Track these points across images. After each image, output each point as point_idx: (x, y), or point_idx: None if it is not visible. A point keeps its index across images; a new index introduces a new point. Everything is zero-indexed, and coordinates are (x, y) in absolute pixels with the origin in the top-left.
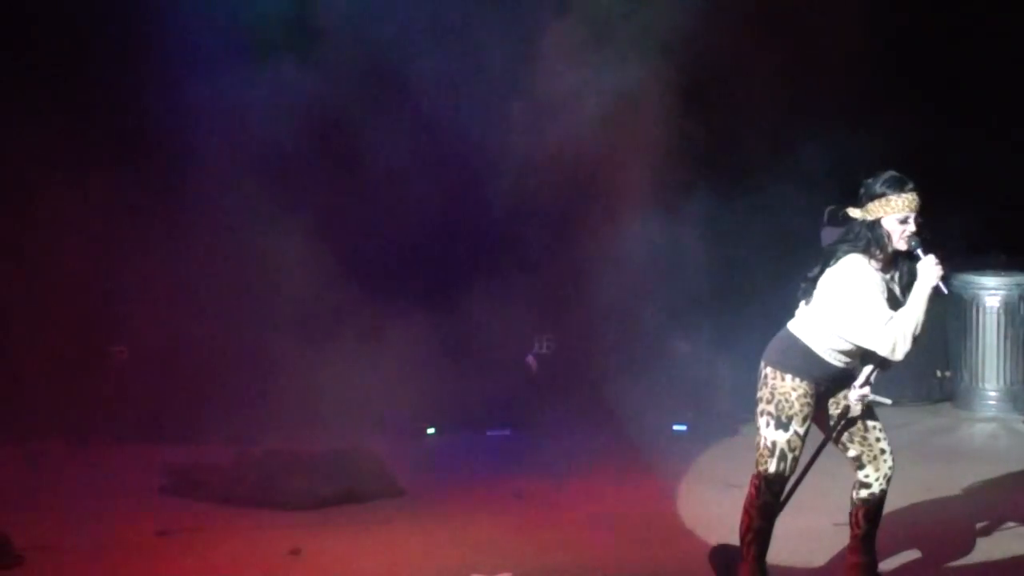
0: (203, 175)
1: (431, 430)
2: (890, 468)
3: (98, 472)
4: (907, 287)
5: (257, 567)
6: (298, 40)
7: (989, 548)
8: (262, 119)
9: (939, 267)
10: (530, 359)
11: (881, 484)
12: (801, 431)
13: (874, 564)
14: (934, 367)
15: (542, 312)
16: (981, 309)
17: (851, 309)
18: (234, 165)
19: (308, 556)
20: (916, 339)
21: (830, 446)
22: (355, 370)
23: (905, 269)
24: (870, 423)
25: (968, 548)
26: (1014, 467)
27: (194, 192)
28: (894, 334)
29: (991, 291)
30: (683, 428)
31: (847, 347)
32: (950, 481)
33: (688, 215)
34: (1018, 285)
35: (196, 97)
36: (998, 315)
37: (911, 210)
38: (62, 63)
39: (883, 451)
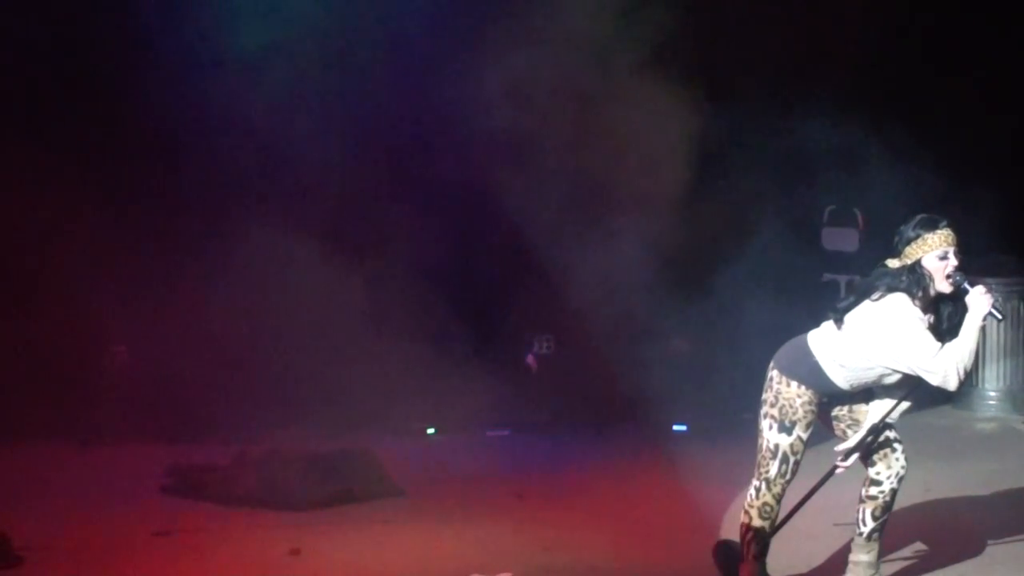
0: (204, 174)
1: (431, 430)
2: (902, 467)
3: (98, 472)
4: (949, 330)
5: (257, 567)
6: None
7: (990, 549)
8: (261, 118)
9: (989, 295)
10: (530, 359)
11: (892, 483)
12: (804, 436)
13: (876, 563)
14: None
15: (542, 312)
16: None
17: (899, 342)
18: (235, 164)
19: (307, 556)
20: (967, 370)
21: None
22: (355, 370)
23: (946, 313)
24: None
25: (969, 549)
26: (1014, 468)
27: (195, 191)
28: (946, 364)
29: (991, 292)
30: (683, 428)
31: (863, 379)
32: (951, 482)
33: (689, 211)
34: (1018, 287)
35: (196, 97)
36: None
37: (948, 245)
38: (62, 63)
39: (895, 450)
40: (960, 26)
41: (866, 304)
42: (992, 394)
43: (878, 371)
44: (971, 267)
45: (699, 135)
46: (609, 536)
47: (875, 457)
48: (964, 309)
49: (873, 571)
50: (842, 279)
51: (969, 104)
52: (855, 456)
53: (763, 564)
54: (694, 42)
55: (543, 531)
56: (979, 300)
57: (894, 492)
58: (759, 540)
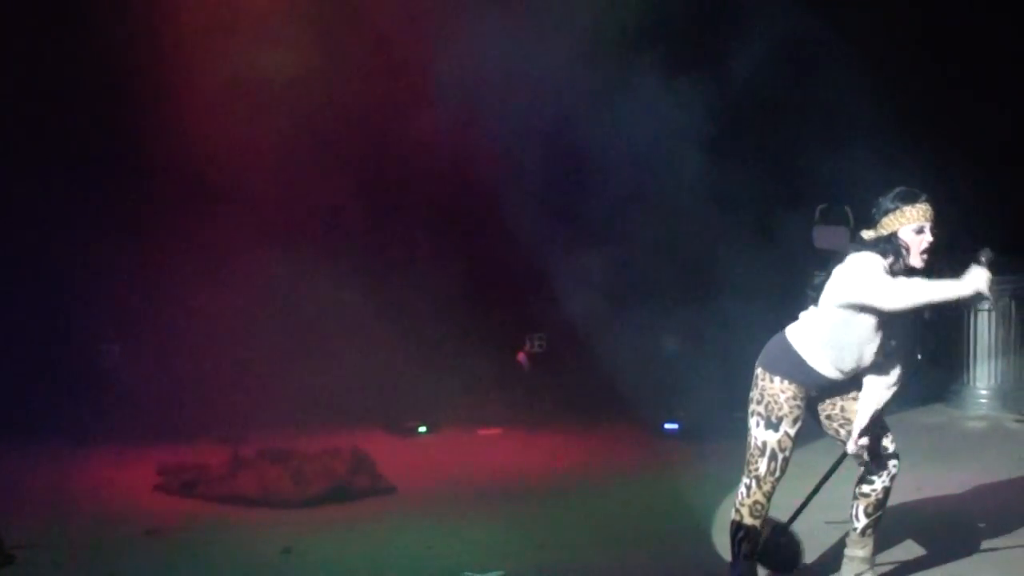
0: (194, 173)
1: (422, 428)
2: (895, 466)
3: (90, 471)
4: (929, 320)
5: (249, 566)
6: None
7: (981, 547)
8: (244, 117)
9: (988, 279)
10: (522, 357)
11: (884, 481)
12: (792, 432)
13: (872, 559)
14: (926, 367)
15: (534, 311)
16: (973, 309)
17: (857, 274)
18: (223, 163)
19: (299, 555)
20: (914, 306)
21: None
22: (346, 369)
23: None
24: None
25: (960, 547)
26: (1006, 465)
27: (184, 190)
28: (899, 288)
29: None
30: (675, 426)
31: (845, 352)
32: (942, 480)
33: (680, 210)
34: (1010, 285)
35: (179, 95)
36: (989, 315)
37: (926, 219)
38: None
39: (887, 448)
40: (952, 17)
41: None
42: (984, 392)
43: (855, 331)
44: (962, 265)
45: (689, 131)
46: (602, 534)
47: (868, 455)
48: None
49: (868, 566)
50: None
51: (958, 99)
52: (865, 440)
53: (754, 563)
54: (683, 30)
55: (535, 529)
56: (979, 275)
57: (887, 490)
58: (750, 539)
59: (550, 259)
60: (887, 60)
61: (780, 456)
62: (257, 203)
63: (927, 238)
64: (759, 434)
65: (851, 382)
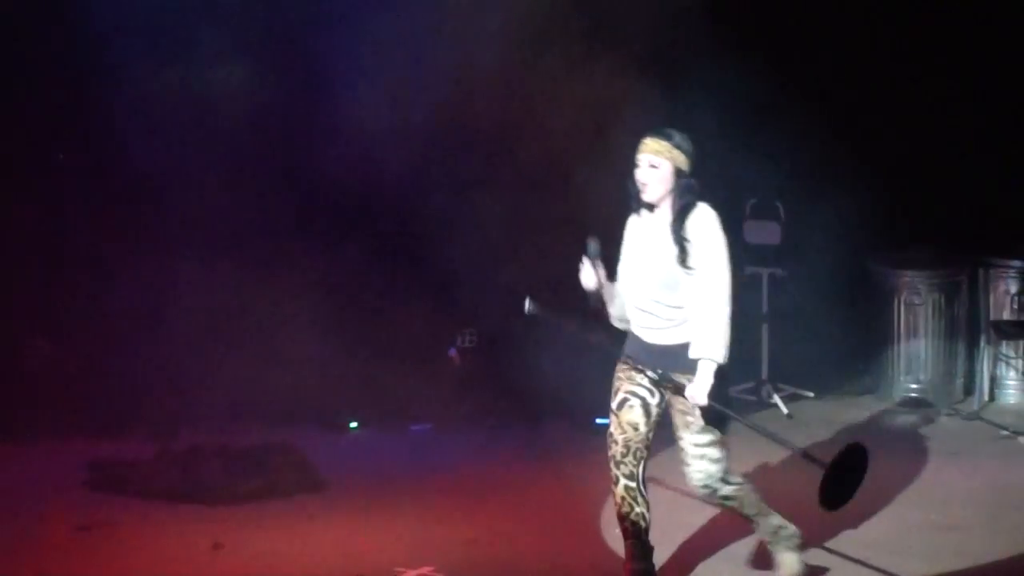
0: (130, 163)
1: (353, 425)
2: (694, 481)
3: (18, 467)
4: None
5: (180, 562)
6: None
7: (912, 539)
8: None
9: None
10: (453, 353)
11: (700, 492)
12: (616, 409)
13: (782, 525)
14: (856, 360)
15: (464, 305)
16: (903, 302)
17: None
18: (162, 152)
19: (230, 551)
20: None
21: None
22: (276, 364)
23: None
24: (686, 433)
25: (885, 540)
26: (936, 458)
27: (121, 181)
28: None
29: (914, 285)
30: (606, 421)
31: (628, 294)
32: (871, 473)
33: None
34: (940, 279)
35: (130, 82)
36: (921, 309)
37: (638, 154)
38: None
39: (687, 464)
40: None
41: None
42: (914, 387)
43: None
44: (893, 258)
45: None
46: (534, 531)
47: (683, 457)
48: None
49: (777, 529)
50: (764, 272)
51: (891, 95)
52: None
53: (640, 543)
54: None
55: (466, 526)
56: (583, 269)
57: (714, 495)
58: (632, 523)
59: (480, 254)
60: (818, 52)
61: (616, 436)
62: (192, 201)
63: (639, 173)
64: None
65: (661, 356)
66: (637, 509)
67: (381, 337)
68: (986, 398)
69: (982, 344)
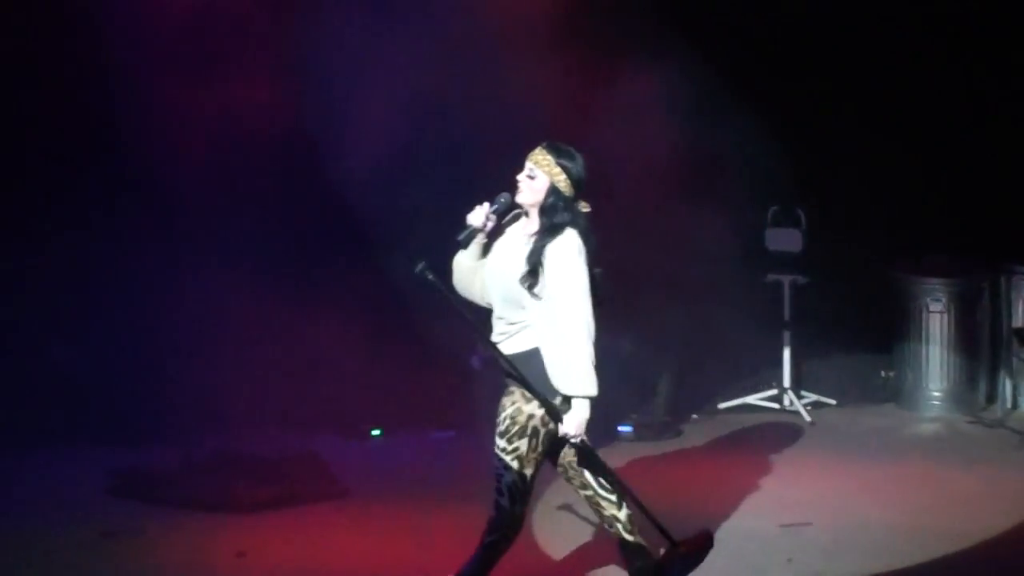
0: (149, 170)
1: (376, 432)
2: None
3: (42, 474)
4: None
5: (203, 569)
6: None
7: (932, 547)
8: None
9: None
10: (475, 360)
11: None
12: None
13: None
14: (878, 368)
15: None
16: (926, 310)
17: None
18: (175, 162)
19: (253, 559)
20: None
21: None
22: (299, 372)
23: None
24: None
25: (908, 548)
26: (957, 467)
27: (135, 186)
28: None
29: (935, 292)
30: (628, 429)
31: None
32: (894, 481)
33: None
34: (961, 286)
35: (128, 96)
36: (942, 316)
37: (527, 159)
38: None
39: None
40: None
41: None
42: (936, 394)
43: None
44: (915, 267)
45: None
46: (559, 537)
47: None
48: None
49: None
50: (786, 279)
51: (913, 101)
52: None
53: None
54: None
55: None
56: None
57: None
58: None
59: None
60: (841, 60)
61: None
62: (215, 210)
63: (519, 175)
64: None
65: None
66: (607, 513)
67: (404, 344)
68: (1009, 405)
69: (1004, 351)
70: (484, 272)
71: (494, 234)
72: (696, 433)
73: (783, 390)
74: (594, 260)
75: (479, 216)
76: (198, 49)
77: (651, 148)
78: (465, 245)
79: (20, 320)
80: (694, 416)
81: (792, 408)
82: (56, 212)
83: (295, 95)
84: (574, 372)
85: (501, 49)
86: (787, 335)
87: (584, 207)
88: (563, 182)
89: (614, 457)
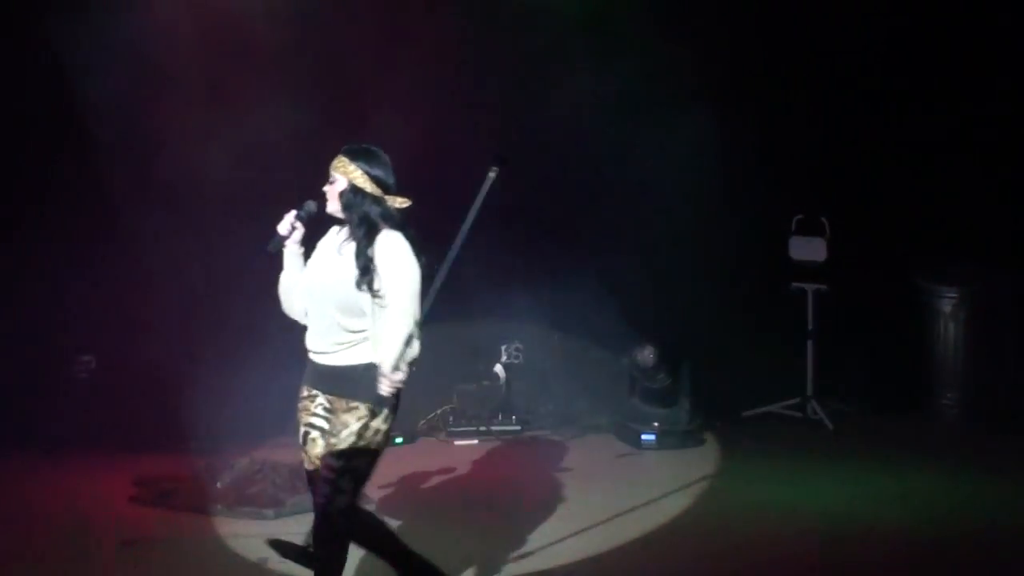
0: (168, 184)
1: (398, 439)
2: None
3: (66, 482)
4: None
5: None
6: None
7: (952, 555)
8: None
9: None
10: (498, 368)
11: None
12: (300, 441)
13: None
14: (902, 376)
15: (510, 320)
16: (949, 319)
17: None
18: (200, 176)
19: (276, 565)
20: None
21: None
22: None
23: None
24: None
25: (932, 557)
26: (980, 475)
27: (158, 200)
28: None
29: (958, 300)
30: (651, 437)
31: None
32: (917, 490)
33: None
34: (985, 295)
35: (163, 113)
36: (966, 325)
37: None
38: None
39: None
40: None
41: None
42: (960, 403)
43: None
44: (939, 275)
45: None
46: (583, 543)
47: None
48: None
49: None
50: (810, 288)
51: (939, 111)
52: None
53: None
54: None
55: (512, 540)
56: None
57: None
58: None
59: (528, 268)
60: (864, 70)
61: (312, 474)
62: (237, 217)
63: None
64: None
65: (329, 378)
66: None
67: (424, 352)
68: None
69: None
70: (305, 285)
71: (310, 249)
72: (719, 441)
73: (806, 398)
74: (418, 249)
75: (284, 224)
76: None
77: (673, 155)
78: (273, 253)
79: (49, 330)
80: (717, 424)
81: (815, 416)
82: (77, 218)
83: None
84: (394, 351)
85: None
86: (810, 344)
87: (401, 203)
88: (361, 179)
89: (638, 466)
